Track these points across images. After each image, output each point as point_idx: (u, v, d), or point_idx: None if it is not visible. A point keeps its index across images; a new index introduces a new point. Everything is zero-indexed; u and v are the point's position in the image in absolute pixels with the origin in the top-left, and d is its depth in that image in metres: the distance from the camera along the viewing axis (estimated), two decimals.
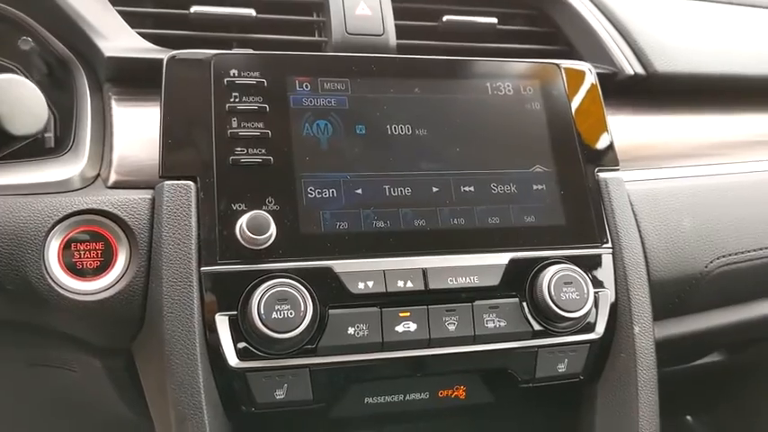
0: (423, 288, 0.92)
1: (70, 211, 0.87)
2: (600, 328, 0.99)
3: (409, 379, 0.97)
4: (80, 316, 0.86)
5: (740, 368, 1.60)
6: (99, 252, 0.88)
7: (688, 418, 1.91)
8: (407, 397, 0.98)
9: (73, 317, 0.87)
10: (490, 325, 0.94)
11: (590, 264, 0.99)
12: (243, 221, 0.86)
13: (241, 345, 0.85)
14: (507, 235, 0.98)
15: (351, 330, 0.89)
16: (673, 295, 1.09)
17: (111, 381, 1.00)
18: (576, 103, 1.07)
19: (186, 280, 0.85)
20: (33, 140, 0.92)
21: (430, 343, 0.92)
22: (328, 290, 0.89)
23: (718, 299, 1.17)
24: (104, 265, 0.88)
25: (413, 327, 0.91)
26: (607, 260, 1.01)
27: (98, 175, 0.93)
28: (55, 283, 0.85)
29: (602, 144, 1.08)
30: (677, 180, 1.14)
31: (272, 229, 0.87)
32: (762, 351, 1.43)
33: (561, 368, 0.98)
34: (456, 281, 0.93)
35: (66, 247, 0.87)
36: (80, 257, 0.87)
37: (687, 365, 1.40)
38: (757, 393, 1.66)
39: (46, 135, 0.97)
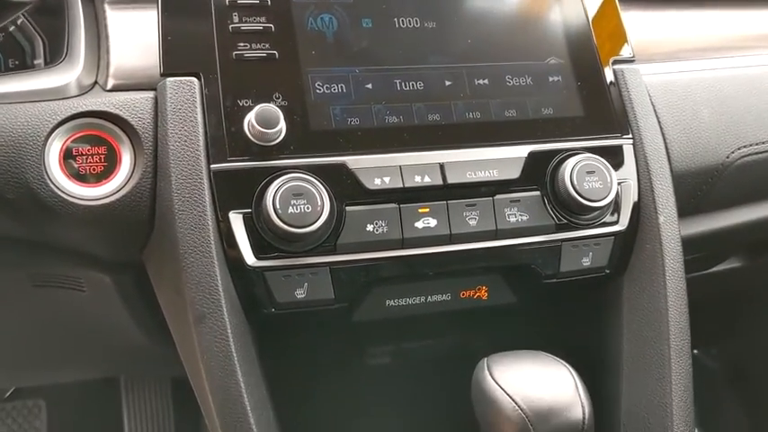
0: (441, 183, 0.89)
1: (69, 114, 0.83)
2: (624, 220, 0.96)
3: (431, 280, 0.94)
4: (86, 223, 0.82)
5: (754, 287, 1.59)
6: (102, 157, 0.84)
7: (695, 351, 1.91)
8: (429, 299, 0.95)
9: (79, 225, 0.83)
10: (512, 219, 0.91)
11: (611, 154, 0.96)
12: (251, 116, 0.82)
13: (257, 243, 0.82)
14: (525, 127, 0.94)
15: (369, 227, 0.86)
16: (694, 189, 1.06)
17: (121, 299, 0.97)
18: None
19: (196, 177, 0.81)
20: (23, 64, 0.88)
21: (451, 239, 0.89)
22: (344, 186, 0.85)
23: (739, 194, 1.15)
24: (108, 170, 0.84)
25: (433, 222, 0.88)
26: (628, 150, 0.98)
27: (95, 82, 0.89)
28: (58, 188, 0.81)
29: (617, 36, 1.04)
30: (694, 72, 1.11)
31: (282, 124, 0.83)
32: None
33: (586, 262, 0.96)
34: (475, 174, 0.90)
35: (68, 154, 0.83)
36: (83, 163, 0.83)
37: (704, 274, 1.38)
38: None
39: (35, 62, 0.92)
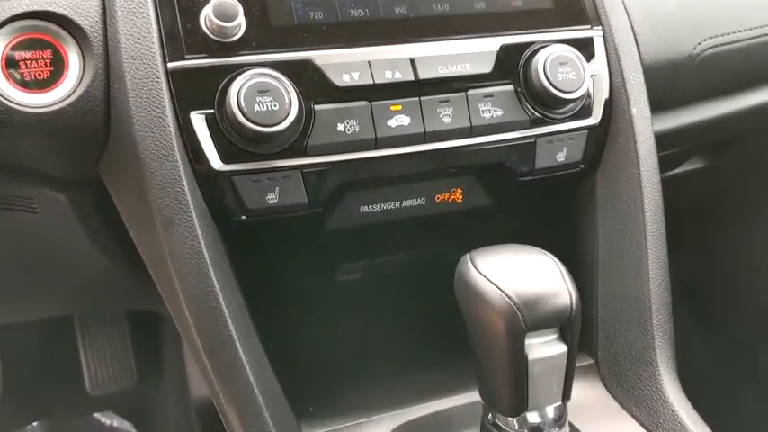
0: (413, 78, 0.85)
1: (7, 16, 0.75)
2: (597, 113, 0.95)
3: (405, 184, 0.91)
4: (37, 133, 0.76)
5: (710, 194, 1.61)
6: (47, 61, 0.77)
7: None
8: (404, 203, 0.92)
9: (29, 136, 0.77)
10: (486, 115, 0.89)
11: (582, 46, 0.94)
12: (208, 10, 0.77)
13: (223, 146, 0.78)
14: (495, 20, 0.91)
15: (340, 127, 0.82)
16: (662, 83, 1.05)
17: (78, 219, 0.91)
18: None
19: (153, 77, 0.76)
20: None
21: (425, 137, 0.86)
22: (311, 83, 0.81)
23: (705, 89, 1.14)
24: (56, 76, 0.77)
25: (406, 120, 0.85)
26: (599, 42, 0.96)
27: None
28: (2, 97, 0.74)
29: None
30: None
31: (241, 18, 0.78)
32: (738, 155, 1.42)
33: (560, 157, 0.94)
34: (447, 69, 0.87)
35: (10, 61, 0.76)
36: (27, 68, 0.76)
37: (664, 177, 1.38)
38: (723, 232, 1.68)
39: None
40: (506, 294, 0.71)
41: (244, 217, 0.80)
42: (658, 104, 1.09)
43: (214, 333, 0.74)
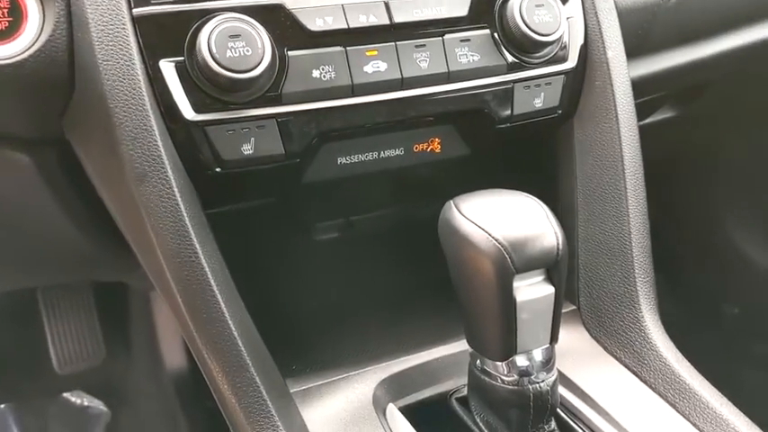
0: (387, 22, 0.83)
1: None
2: (573, 57, 0.94)
3: (383, 134, 0.89)
4: None
5: (678, 148, 1.62)
6: (4, 11, 0.73)
7: None
8: (382, 154, 0.91)
9: None
10: (463, 60, 0.87)
11: None
12: None
13: (195, 95, 0.75)
14: None
15: (315, 73, 0.80)
16: (635, 28, 1.04)
17: (44, 181, 0.87)
18: None
19: (118, 24, 0.72)
20: None
21: (403, 83, 0.84)
22: (283, 29, 0.78)
23: (680, 33, 1.14)
24: (14, 26, 0.73)
25: (383, 66, 0.83)
26: None
27: None
28: None
29: None
30: None
31: None
32: (707, 104, 1.43)
33: (538, 103, 0.93)
34: (422, 12, 0.85)
35: None
36: None
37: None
38: (688, 182, 1.69)
39: None
40: (494, 237, 0.70)
41: (219, 169, 0.78)
42: (634, 50, 1.08)
43: (195, 288, 0.72)
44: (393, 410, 0.82)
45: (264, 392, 0.73)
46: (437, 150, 0.94)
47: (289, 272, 1.01)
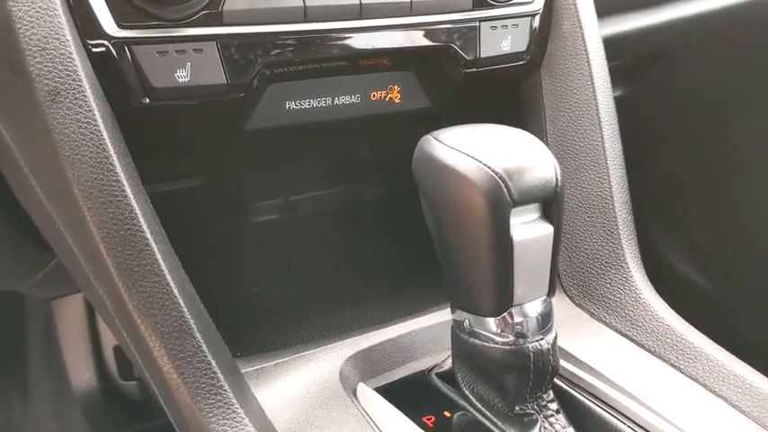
0: None
1: None
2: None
3: (338, 77, 0.77)
4: None
5: None
6: None
7: None
8: (336, 101, 0.79)
9: None
10: None
11: None
12: None
13: (118, 6, 0.61)
14: None
15: None
16: None
17: None
18: None
19: None
20: None
21: (361, 10, 0.73)
22: None
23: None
24: None
25: None
26: None
27: None
28: None
29: None
30: None
31: None
32: (666, 72, 1.39)
33: (505, 46, 0.84)
34: None
35: None
36: None
37: None
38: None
39: None
40: (487, 165, 0.59)
41: (147, 100, 0.64)
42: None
43: (123, 235, 0.57)
44: (365, 390, 0.69)
45: (214, 363, 0.58)
46: (396, 100, 0.83)
47: (229, 255, 0.87)
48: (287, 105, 0.76)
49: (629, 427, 0.66)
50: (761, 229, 1.54)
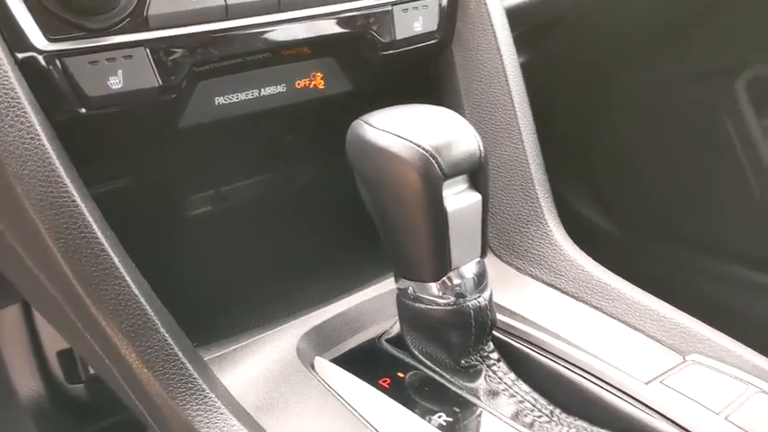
0: None
1: None
2: None
3: (263, 69, 0.80)
4: None
5: None
6: None
7: None
8: (263, 92, 0.82)
9: None
10: None
11: None
12: None
13: (46, 19, 0.62)
14: None
15: None
16: None
17: None
18: None
19: None
20: None
21: (280, 5, 0.76)
22: None
23: None
24: None
25: None
26: None
27: None
28: None
29: None
30: None
31: None
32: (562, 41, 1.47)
33: (418, 27, 0.89)
34: None
35: None
36: None
37: None
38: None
39: None
40: (417, 144, 0.64)
41: (84, 110, 0.65)
42: None
43: (78, 243, 0.59)
44: (322, 362, 0.73)
45: (181, 354, 0.62)
46: (320, 86, 0.87)
47: (172, 251, 0.89)
48: (216, 101, 0.78)
49: (561, 365, 0.74)
50: (654, 174, 1.67)
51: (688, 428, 0.65)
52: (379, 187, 0.68)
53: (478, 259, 0.72)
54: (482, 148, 0.68)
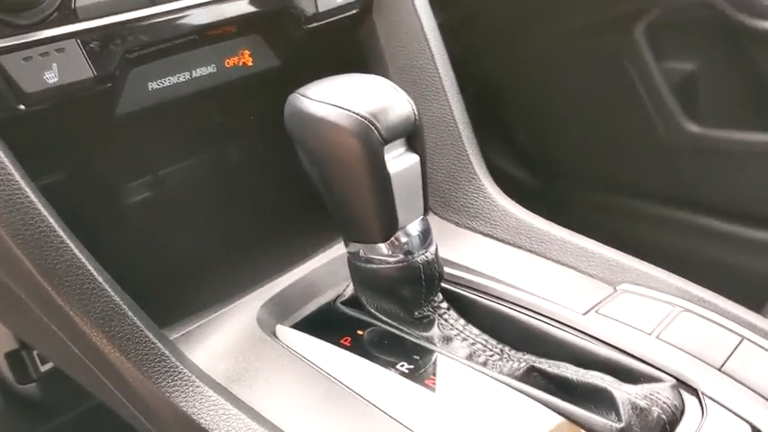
0: None
1: None
2: None
3: (193, 51, 0.82)
4: None
5: None
6: None
7: None
8: (194, 73, 0.83)
9: None
10: None
11: None
12: None
13: None
14: None
15: None
16: None
17: None
18: None
19: None
20: None
21: None
22: None
23: None
24: None
25: None
26: None
27: None
28: None
29: None
30: None
31: None
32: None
33: None
34: None
35: None
36: None
37: None
38: None
39: None
40: (356, 113, 0.67)
41: (23, 107, 0.65)
42: None
43: (36, 237, 0.60)
44: (283, 330, 0.77)
45: (151, 335, 0.64)
46: (249, 63, 0.88)
47: (121, 238, 0.90)
48: (150, 86, 0.79)
49: (505, 307, 0.79)
50: (568, 125, 1.75)
51: (624, 349, 0.72)
52: (323, 158, 0.71)
53: (422, 217, 0.76)
54: (416, 112, 0.72)
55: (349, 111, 0.68)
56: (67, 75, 0.67)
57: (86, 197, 0.85)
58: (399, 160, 0.72)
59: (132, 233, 0.89)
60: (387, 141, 0.69)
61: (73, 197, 0.82)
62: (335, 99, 0.69)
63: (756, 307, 0.82)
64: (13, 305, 0.66)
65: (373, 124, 0.67)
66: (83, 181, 0.85)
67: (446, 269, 0.84)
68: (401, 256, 0.74)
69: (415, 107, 0.72)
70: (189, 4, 0.77)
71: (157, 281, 0.78)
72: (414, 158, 0.73)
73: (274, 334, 0.77)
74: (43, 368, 1.21)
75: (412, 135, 0.73)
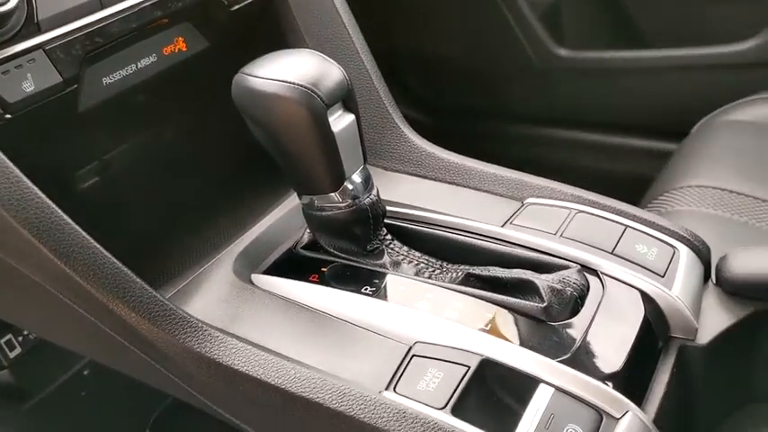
0: None
1: None
2: None
3: (137, 44, 0.91)
4: None
5: None
6: None
7: None
8: (139, 65, 0.92)
9: None
10: None
11: None
12: None
13: None
14: None
15: None
16: None
17: None
18: None
19: None
20: None
21: None
22: None
23: None
24: None
25: None
26: None
27: None
28: None
29: None
30: None
31: None
32: None
33: None
34: None
35: None
36: None
37: None
38: None
39: None
40: (299, 85, 0.79)
41: (9, 116, 0.74)
42: None
43: (52, 227, 0.69)
44: (258, 277, 0.89)
45: (158, 296, 0.76)
46: (183, 49, 0.98)
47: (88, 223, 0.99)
48: (104, 81, 0.88)
49: (438, 230, 0.95)
50: (451, 63, 1.92)
51: (538, 249, 0.89)
52: (275, 128, 0.82)
53: (363, 166, 0.90)
54: (347, 77, 0.85)
55: (293, 83, 0.79)
56: (41, 82, 0.76)
57: (56, 186, 0.93)
58: (339, 120, 0.84)
59: (103, 215, 0.98)
60: (328, 106, 0.81)
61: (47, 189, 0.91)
62: (279, 74, 0.80)
63: (633, 202, 1.02)
64: (27, 299, 0.75)
65: (316, 93, 0.80)
66: (53, 173, 0.93)
67: (387, 206, 0.99)
68: (350, 201, 0.87)
69: (346, 74, 0.85)
70: (131, 4, 0.86)
71: (136, 255, 0.88)
72: (351, 117, 0.86)
73: (251, 281, 0.89)
74: (11, 354, 1.28)
75: (347, 98, 0.85)
